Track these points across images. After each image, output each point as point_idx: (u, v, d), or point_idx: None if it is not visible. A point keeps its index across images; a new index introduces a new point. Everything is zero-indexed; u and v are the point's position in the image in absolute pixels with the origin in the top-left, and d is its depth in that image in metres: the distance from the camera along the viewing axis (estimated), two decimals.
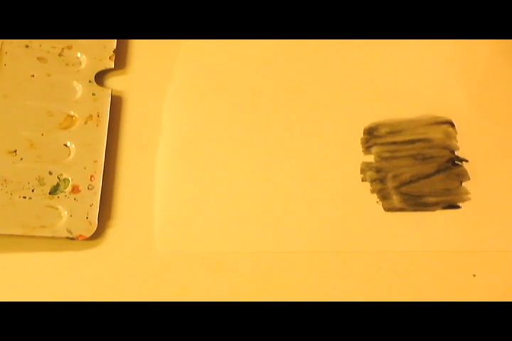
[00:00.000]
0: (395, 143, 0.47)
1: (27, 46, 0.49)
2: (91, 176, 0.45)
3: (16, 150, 0.45)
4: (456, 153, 0.47)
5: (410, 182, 0.46)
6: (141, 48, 0.51)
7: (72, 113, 0.47)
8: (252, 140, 0.47)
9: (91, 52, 0.49)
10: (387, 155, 0.47)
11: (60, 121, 0.47)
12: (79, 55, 0.49)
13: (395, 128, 0.48)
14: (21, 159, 0.45)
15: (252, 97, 0.49)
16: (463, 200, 0.45)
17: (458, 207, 0.45)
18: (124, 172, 0.46)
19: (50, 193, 0.44)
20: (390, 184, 0.46)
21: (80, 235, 0.43)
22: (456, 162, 0.47)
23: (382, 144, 0.47)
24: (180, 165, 0.46)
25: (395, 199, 0.45)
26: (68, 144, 0.46)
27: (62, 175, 0.45)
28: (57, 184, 0.45)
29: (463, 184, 0.46)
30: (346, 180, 0.46)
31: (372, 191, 0.46)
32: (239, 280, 0.43)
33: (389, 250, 0.44)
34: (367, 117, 0.48)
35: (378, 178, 0.46)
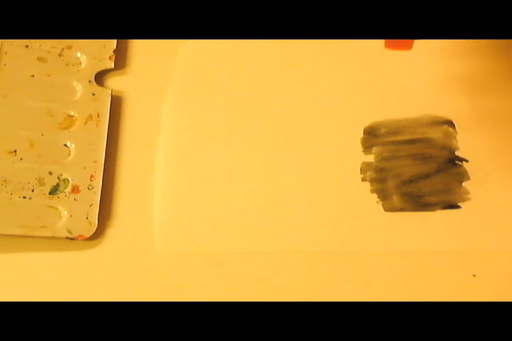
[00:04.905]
0: (394, 143, 0.47)
1: (27, 46, 0.49)
2: (91, 176, 0.45)
3: (15, 150, 0.45)
4: (456, 153, 0.47)
5: (410, 182, 0.46)
6: (141, 48, 0.51)
7: (72, 113, 0.47)
8: (252, 140, 0.47)
9: (91, 52, 0.49)
10: (387, 155, 0.47)
11: (60, 121, 0.47)
12: (79, 55, 0.49)
13: (395, 128, 0.48)
14: (21, 159, 0.45)
15: (251, 97, 0.49)
16: (463, 200, 0.45)
17: (458, 207, 0.45)
18: (124, 172, 0.46)
19: (50, 193, 0.44)
20: (390, 184, 0.46)
21: (80, 235, 0.43)
22: (456, 162, 0.47)
23: (382, 144, 0.47)
24: (180, 165, 0.46)
25: (395, 199, 0.45)
26: (68, 144, 0.46)
27: (62, 175, 0.45)
28: (57, 184, 0.45)
29: (463, 184, 0.46)
30: (346, 180, 0.46)
31: (372, 191, 0.46)
32: (239, 280, 0.43)
33: (389, 250, 0.44)
34: (367, 117, 0.48)
35: (378, 178, 0.46)
